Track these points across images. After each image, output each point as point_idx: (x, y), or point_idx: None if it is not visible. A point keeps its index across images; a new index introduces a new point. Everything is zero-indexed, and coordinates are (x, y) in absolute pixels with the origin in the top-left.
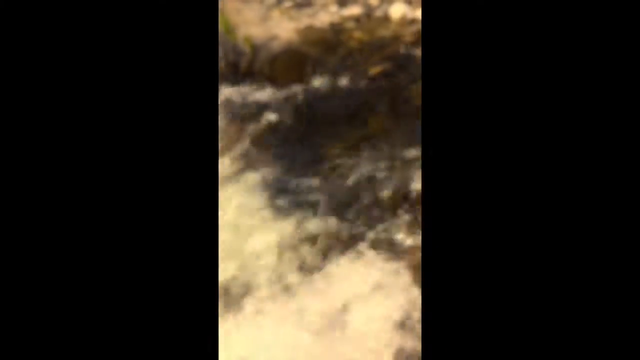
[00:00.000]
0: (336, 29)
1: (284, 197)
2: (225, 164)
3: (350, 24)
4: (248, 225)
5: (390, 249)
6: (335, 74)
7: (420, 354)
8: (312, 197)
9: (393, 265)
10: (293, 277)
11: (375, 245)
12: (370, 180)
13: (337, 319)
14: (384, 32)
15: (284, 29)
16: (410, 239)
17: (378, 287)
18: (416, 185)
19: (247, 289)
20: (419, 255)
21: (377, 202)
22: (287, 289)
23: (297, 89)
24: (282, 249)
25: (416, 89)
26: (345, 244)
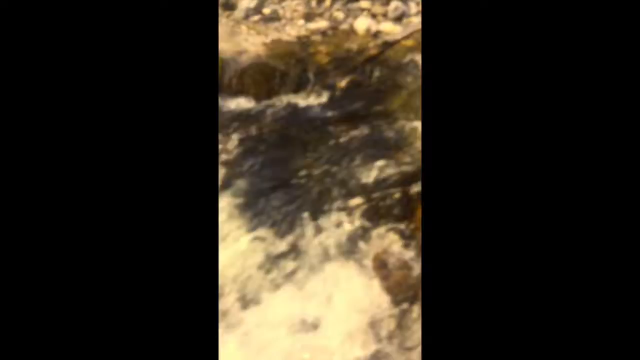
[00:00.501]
0: (303, 42)
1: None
2: None
3: (317, 38)
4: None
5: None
6: (303, 86)
7: None
8: (281, 211)
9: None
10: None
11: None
12: (341, 188)
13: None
14: (350, 45)
15: (252, 43)
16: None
17: None
18: (396, 195)
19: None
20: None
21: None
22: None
23: (267, 102)
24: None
25: (384, 99)
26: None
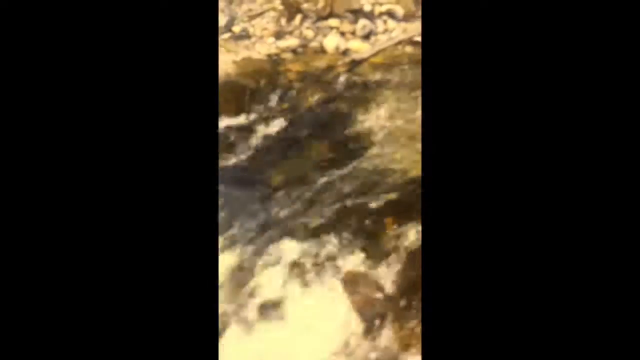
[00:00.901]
0: (274, 60)
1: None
2: None
3: (287, 55)
4: None
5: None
6: (274, 104)
7: None
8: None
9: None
10: None
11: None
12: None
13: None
14: (319, 63)
15: (222, 60)
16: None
17: None
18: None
19: None
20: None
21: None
22: None
23: (239, 119)
24: None
25: (354, 115)
26: None
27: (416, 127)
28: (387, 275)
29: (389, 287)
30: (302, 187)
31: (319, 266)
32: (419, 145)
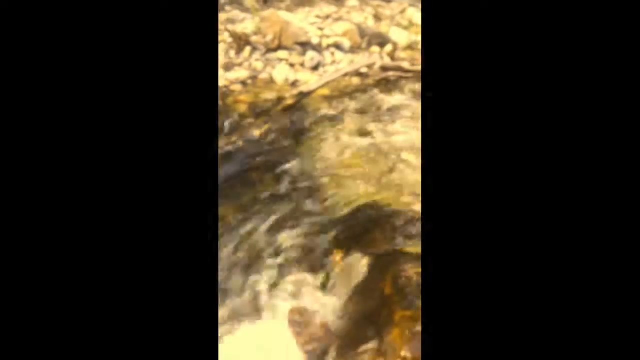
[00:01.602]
0: (223, 92)
1: None
2: None
3: (237, 87)
4: None
5: None
6: (224, 134)
7: None
8: None
9: None
10: None
11: None
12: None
13: None
14: (269, 95)
15: None
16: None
17: None
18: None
19: None
20: None
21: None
22: None
23: None
24: None
25: (302, 145)
26: None
27: (359, 160)
28: (334, 309)
29: (335, 321)
30: (247, 217)
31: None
32: (361, 175)
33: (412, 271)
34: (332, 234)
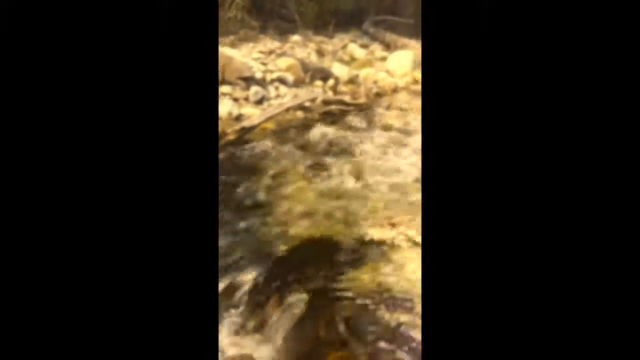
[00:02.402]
0: None
1: None
2: None
3: None
4: None
5: None
6: None
7: None
8: None
9: None
10: None
11: None
12: None
13: None
14: None
15: None
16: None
17: None
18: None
19: None
20: None
21: None
22: None
23: None
24: None
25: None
26: None
27: (299, 191)
28: (269, 353)
29: None
30: None
31: None
32: (299, 207)
33: (346, 312)
34: (270, 272)
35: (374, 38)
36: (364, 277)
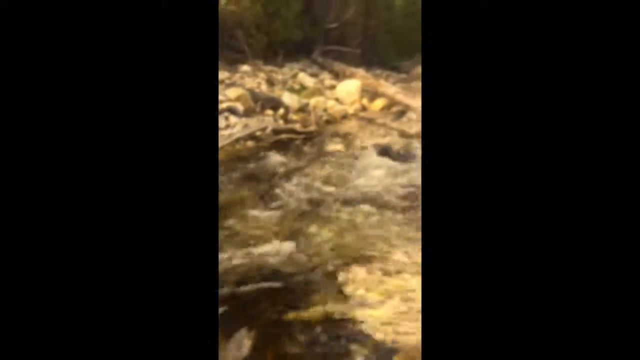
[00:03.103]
0: None
1: None
2: None
3: None
4: None
5: None
6: None
7: None
8: None
9: None
10: None
11: None
12: None
13: None
14: None
15: None
16: None
17: None
18: None
19: None
20: None
21: None
22: None
23: None
24: None
25: None
26: None
27: (255, 226)
28: None
29: None
30: None
31: None
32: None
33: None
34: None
35: (323, 67)
36: (316, 307)
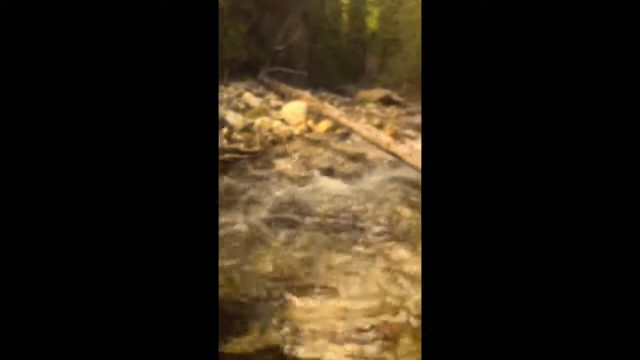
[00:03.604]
0: None
1: None
2: None
3: None
4: None
5: None
6: None
7: None
8: None
9: None
10: None
11: None
12: None
13: None
14: None
15: None
16: None
17: None
18: None
19: None
20: None
21: None
22: None
23: None
24: None
25: None
26: None
27: None
28: None
29: None
30: None
31: None
32: None
33: None
34: None
35: (269, 88)
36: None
